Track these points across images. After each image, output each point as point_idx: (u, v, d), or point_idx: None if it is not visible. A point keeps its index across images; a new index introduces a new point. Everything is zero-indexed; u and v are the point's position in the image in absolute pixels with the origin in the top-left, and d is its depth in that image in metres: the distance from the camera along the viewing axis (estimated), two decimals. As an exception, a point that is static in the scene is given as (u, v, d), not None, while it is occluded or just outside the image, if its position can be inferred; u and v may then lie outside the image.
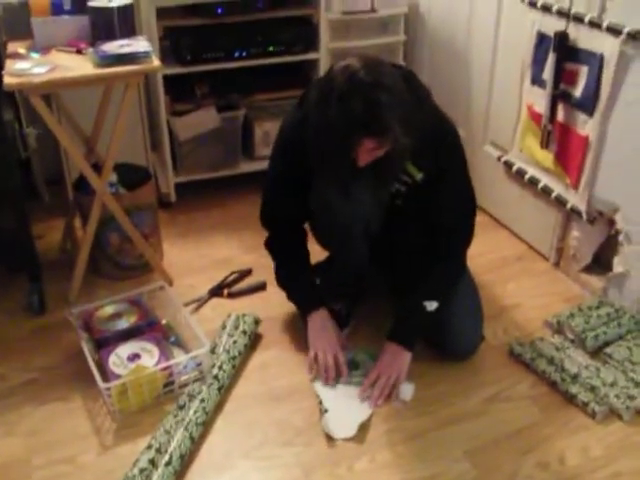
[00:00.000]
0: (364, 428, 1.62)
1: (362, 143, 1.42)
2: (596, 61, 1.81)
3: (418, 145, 1.45)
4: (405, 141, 1.41)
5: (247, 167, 2.65)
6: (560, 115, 1.99)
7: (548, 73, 1.97)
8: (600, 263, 2.10)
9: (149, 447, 1.51)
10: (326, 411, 1.63)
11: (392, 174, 1.59)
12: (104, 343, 1.78)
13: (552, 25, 1.92)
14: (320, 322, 1.81)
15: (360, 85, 1.37)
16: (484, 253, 2.27)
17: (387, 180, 1.60)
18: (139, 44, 1.86)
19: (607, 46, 1.77)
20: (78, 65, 1.82)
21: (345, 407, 1.67)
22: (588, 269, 2.12)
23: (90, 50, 1.84)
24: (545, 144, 2.06)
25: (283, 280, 1.89)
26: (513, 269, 2.24)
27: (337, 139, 1.40)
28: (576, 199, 2.02)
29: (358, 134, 1.40)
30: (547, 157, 2.09)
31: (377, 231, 1.77)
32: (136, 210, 2.11)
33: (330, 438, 1.59)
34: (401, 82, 1.44)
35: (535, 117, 2.09)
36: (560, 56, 1.90)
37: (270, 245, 1.89)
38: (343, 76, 1.39)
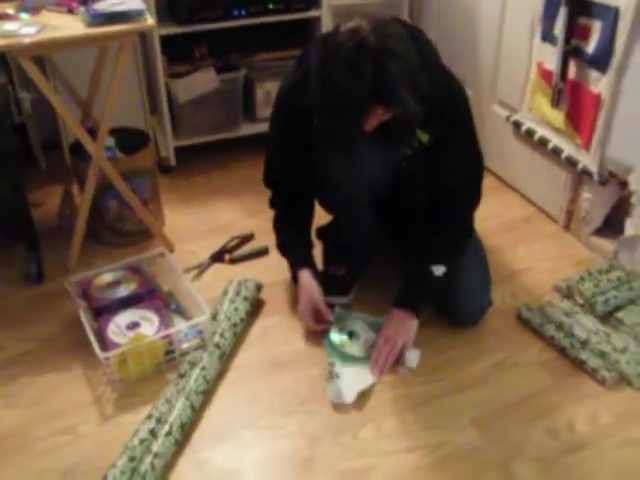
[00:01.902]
0: (368, 395, 1.59)
1: (371, 110, 1.36)
2: (611, 15, 1.73)
3: (425, 107, 1.39)
4: (415, 107, 1.35)
5: (248, 129, 2.59)
6: (571, 72, 1.92)
7: (559, 28, 1.89)
8: (611, 226, 2.04)
9: (149, 417, 1.48)
10: (337, 376, 1.61)
11: (400, 139, 1.53)
12: (103, 311, 1.74)
13: (564, -23, 1.84)
14: (302, 285, 1.78)
15: (370, 52, 1.29)
16: (492, 216, 2.22)
17: (395, 145, 1.54)
18: (132, 2, 1.79)
19: (622, -1, 1.69)
20: (69, 25, 1.75)
21: (345, 374, 1.64)
22: (599, 232, 2.07)
23: (81, 9, 1.77)
24: (556, 103, 1.99)
25: (279, 237, 1.86)
26: (522, 232, 2.19)
27: (345, 107, 1.34)
28: (587, 160, 1.95)
29: (367, 102, 1.34)
30: (557, 116, 2.02)
31: (383, 195, 1.72)
32: (135, 175, 2.06)
33: (332, 405, 1.57)
34: (410, 45, 1.38)
35: (545, 75, 2.02)
36: (572, 10, 1.82)
37: (273, 204, 1.85)
38: (351, 41, 1.30)
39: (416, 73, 1.36)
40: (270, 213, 1.86)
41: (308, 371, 1.67)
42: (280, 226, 1.85)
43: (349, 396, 1.58)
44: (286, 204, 1.83)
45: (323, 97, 1.38)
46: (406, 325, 1.68)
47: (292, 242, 1.84)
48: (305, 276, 1.77)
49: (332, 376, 1.62)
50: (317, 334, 1.76)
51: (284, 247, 1.85)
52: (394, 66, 1.31)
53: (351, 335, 1.74)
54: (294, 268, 1.81)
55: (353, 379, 1.62)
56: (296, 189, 1.79)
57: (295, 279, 1.81)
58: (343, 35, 1.32)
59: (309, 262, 1.81)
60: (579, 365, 1.65)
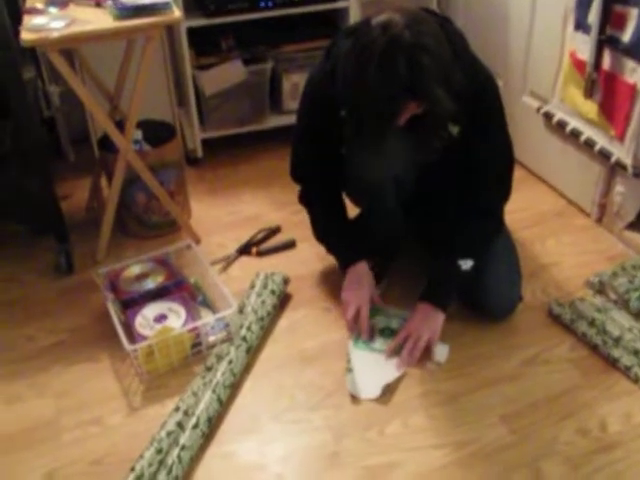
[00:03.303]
0: (395, 391, 1.58)
1: (403, 106, 1.34)
2: (647, 2, 1.69)
3: (457, 101, 1.37)
4: (448, 102, 1.33)
5: (275, 121, 2.58)
6: (606, 62, 1.87)
7: (594, 17, 1.84)
8: (645, 220, 2.00)
9: (177, 409, 1.49)
10: (350, 370, 1.60)
11: (432, 134, 1.50)
12: (130, 304, 1.75)
13: (599, -36, 1.79)
14: (355, 276, 1.75)
15: (404, 47, 1.27)
16: (522, 209, 2.18)
17: (426, 139, 1.52)
18: (159, -6, 1.79)
19: (660, -15, 1.65)
20: (97, 18, 1.75)
21: (371, 368, 1.63)
22: (632, 226, 2.02)
23: (109, 2, 1.77)
24: (589, 94, 1.94)
25: (321, 233, 1.83)
26: (552, 225, 2.15)
27: (378, 104, 1.32)
28: (621, 152, 1.91)
29: (400, 98, 1.32)
30: (591, 107, 1.97)
31: (411, 188, 1.70)
32: (162, 167, 2.06)
33: (358, 400, 1.56)
34: (443, 38, 1.35)
35: (578, 65, 1.97)
36: (607, -2, 1.78)
37: (304, 199, 1.83)
38: (385, 36, 1.28)
39: (449, 68, 1.34)
40: (298, 206, 1.85)
41: (334, 365, 1.66)
42: (317, 219, 1.82)
43: (375, 390, 1.57)
44: (318, 199, 1.81)
45: (355, 93, 1.35)
46: (431, 319, 1.66)
47: (339, 236, 1.80)
48: (366, 269, 1.76)
49: (348, 370, 1.61)
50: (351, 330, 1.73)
51: (329, 241, 1.82)
52: (428, 62, 1.28)
53: (382, 332, 1.73)
54: (349, 259, 1.78)
55: (379, 373, 1.61)
56: (325, 182, 1.77)
57: (345, 268, 1.78)
58: (376, 29, 1.29)
59: (358, 255, 1.78)
60: (612, 363, 1.61)
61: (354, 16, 2.42)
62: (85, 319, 1.83)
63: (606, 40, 1.83)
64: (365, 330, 1.70)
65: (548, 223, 2.16)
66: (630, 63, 1.79)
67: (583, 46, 1.93)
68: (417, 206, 1.77)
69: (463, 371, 1.63)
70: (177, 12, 1.79)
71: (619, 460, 1.41)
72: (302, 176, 1.80)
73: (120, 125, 1.97)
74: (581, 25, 1.93)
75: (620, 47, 1.81)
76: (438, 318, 1.66)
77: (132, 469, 1.35)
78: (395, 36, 1.27)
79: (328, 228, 1.82)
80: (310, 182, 1.80)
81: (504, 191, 1.68)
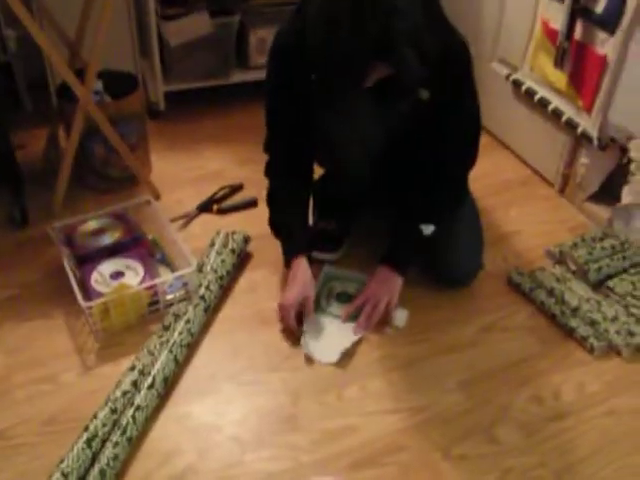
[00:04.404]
0: (353, 355, 1.58)
1: (372, 67, 1.31)
2: (623, -28, 1.67)
3: (427, 66, 1.34)
4: (418, 67, 1.30)
5: (241, 76, 2.51)
6: (578, 32, 1.85)
7: (568, -15, 1.82)
8: (607, 192, 2.01)
9: (132, 368, 1.46)
10: (306, 333, 1.59)
11: (400, 98, 1.47)
12: (86, 259, 1.70)
13: None
14: (291, 272, 1.66)
15: (375, 8, 1.23)
16: (486, 176, 2.18)
17: (394, 103, 1.49)
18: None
19: (636, -45, 1.63)
20: (57, -43, 1.67)
21: (329, 332, 1.62)
22: (594, 198, 2.04)
23: (70, -59, 1.69)
24: (559, 63, 1.93)
25: (274, 217, 1.75)
26: (516, 194, 2.16)
27: (347, 64, 1.29)
28: (588, 123, 1.91)
29: (370, 59, 1.29)
30: (560, 77, 1.96)
31: (379, 153, 1.67)
32: (123, 120, 1.99)
33: (316, 363, 1.55)
34: (417, 1, 1.32)
35: (550, 34, 1.96)
36: (583, -34, 1.76)
37: (269, 171, 1.75)
38: None
39: (421, 31, 1.31)
40: (261, 164, 1.80)
41: (294, 327, 1.65)
42: (275, 201, 1.74)
43: (333, 355, 1.56)
44: (283, 173, 1.72)
45: (323, 52, 1.31)
46: (390, 282, 1.65)
47: (288, 224, 1.72)
48: (302, 266, 1.66)
49: (304, 332, 1.60)
50: (293, 333, 1.64)
51: (279, 228, 1.74)
52: (400, 24, 1.25)
53: (339, 296, 1.72)
54: (289, 254, 1.70)
55: (337, 338, 1.60)
56: (296, 153, 1.71)
57: (288, 263, 1.71)
58: None
59: (305, 248, 1.71)
60: (568, 332, 1.64)
61: (326, -29, 2.34)
62: (39, 274, 1.78)
63: (579, 10, 1.82)
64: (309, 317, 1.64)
65: (512, 191, 2.17)
66: (602, 34, 1.78)
67: (556, 15, 1.91)
68: (384, 170, 1.74)
69: (422, 336, 1.64)
70: (142, -44, 1.71)
71: (571, 428, 1.43)
72: (274, 147, 1.72)
73: (80, 74, 1.89)
74: (555, -7, 1.91)
75: (593, 18, 1.79)
76: (397, 282, 1.66)
77: (85, 429, 1.32)
78: None
79: (282, 209, 1.73)
80: (280, 154, 1.72)
81: (470, 158, 1.66)
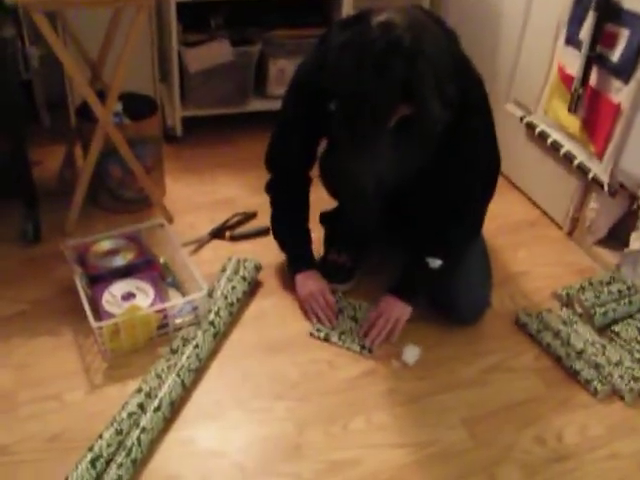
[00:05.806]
0: (360, 386, 1.59)
1: (395, 109, 1.33)
2: (639, 24, 1.70)
3: (450, 110, 1.36)
4: (441, 113, 1.32)
5: (258, 105, 2.55)
6: (593, 79, 1.88)
7: (585, 33, 1.85)
8: (615, 237, 2.03)
9: (139, 390, 1.47)
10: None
11: (421, 141, 1.49)
12: (98, 279, 1.72)
13: (595, -19, 1.80)
14: (304, 277, 1.79)
15: (404, 53, 1.25)
16: (496, 216, 2.17)
17: (414, 145, 1.50)
18: (154, -35, 1.75)
19: (653, 9, 1.67)
20: (87, -17, 1.71)
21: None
22: (602, 242, 2.05)
23: (101, -32, 1.73)
24: (573, 108, 1.96)
25: (278, 231, 1.85)
26: (525, 235, 2.17)
27: (372, 108, 1.30)
28: (599, 169, 1.93)
29: (394, 102, 1.31)
30: (574, 122, 1.99)
31: (392, 187, 1.69)
32: (140, 142, 2.02)
33: (322, 393, 1.56)
34: (444, 45, 1.34)
35: (566, 79, 1.99)
36: (601, 15, 1.78)
37: (271, 189, 1.81)
38: (384, 39, 1.25)
39: (446, 76, 1.32)
40: (274, 194, 1.83)
41: (301, 356, 1.65)
42: (278, 215, 1.83)
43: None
44: (285, 190, 1.80)
45: (349, 94, 1.32)
46: (399, 305, 1.70)
47: (294, 237, 1.83)
48: (314, 274, 1.79)
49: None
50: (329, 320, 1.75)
51: (285, 241, 1.84)
52: (426, 68, 1.26)
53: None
54: (298, 266, 1.81)
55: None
56: (297, 172, 1.76)
57: (293, 272, 1.81)
58: (376, 30, 1.27)
59: (313, 261, 1.83)
60: (573, 375, 1.64)
61: (347, 6, 2.39)
62: (50, 291, 1.79)
63: (595, 57, 1.85)
64: (333, 312, 1.75)
65: (521, 232, 2.19)
66: (616, 82, 1.81)
67: (572, 61, 1.94)
68: (397, 204, 1.76)
69: (428, 373, 1.64)
70: (170, -15, 1.75)
71: (572, 470, 1.43)
72: (275, 164, 1.78)
73: (100, 95, 1.92)
74: (572, 40, 1.94)
75: (608, 66, 1.82)
76: (405, 306, 1.70)
77: (90, 449, 1.33)
78: (395, 39, 1.25)
79: (288, 227, 1.84)
80: (281, 172, 1.78)
81: (486, 197, 1.69)
